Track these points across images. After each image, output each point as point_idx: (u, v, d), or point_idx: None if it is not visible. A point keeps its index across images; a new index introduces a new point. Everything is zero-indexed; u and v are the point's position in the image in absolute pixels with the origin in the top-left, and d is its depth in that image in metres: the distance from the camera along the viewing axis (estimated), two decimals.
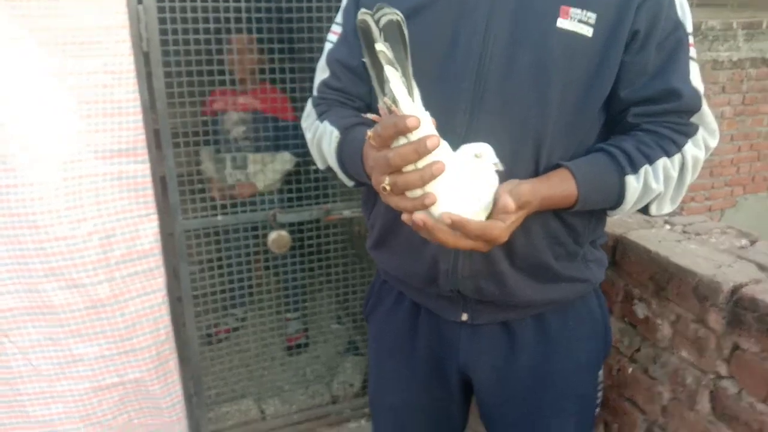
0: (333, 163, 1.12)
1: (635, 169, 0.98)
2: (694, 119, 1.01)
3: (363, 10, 0.76)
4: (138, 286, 1.74)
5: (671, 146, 1.00)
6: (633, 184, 0.98)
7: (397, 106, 0.76)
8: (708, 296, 1.21)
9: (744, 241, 1.40)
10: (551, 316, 1.15)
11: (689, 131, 1.01)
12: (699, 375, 1.25)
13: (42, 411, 1.74)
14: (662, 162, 0.99)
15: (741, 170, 4.83)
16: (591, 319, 1.20)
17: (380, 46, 0.75)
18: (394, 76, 0.76)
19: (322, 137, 1.12)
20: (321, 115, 1.14)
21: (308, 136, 1.19)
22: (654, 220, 1.52)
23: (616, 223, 1.49)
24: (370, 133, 0.79)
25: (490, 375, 1.19)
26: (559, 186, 0.96)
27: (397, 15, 0.76)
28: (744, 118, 4.69)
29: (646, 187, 0.99)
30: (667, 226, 1.50)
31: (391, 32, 0.75)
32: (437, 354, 1.22)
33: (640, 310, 1.39)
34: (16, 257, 1.60)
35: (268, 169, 2.31)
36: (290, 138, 2.06)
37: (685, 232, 1.46)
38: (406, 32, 0.76)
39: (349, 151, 1.06)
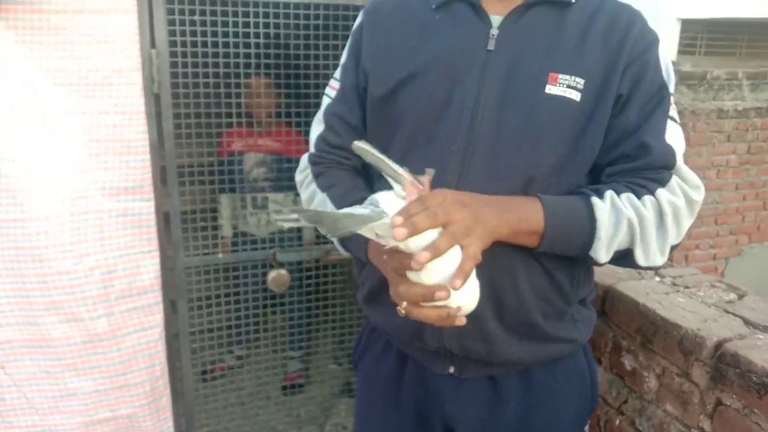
0: (334, 240, 1.16)
1: (600, 195, 0.98)
2: (668, 172, 1.01)
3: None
4: (136, 321, 1.77)
5: (639, 188, 0.99)
6: (599, 203, 0.97)
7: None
8: (692, 350, 1.22)
9: (732, 296, 1.42)
10: (538, 370, 1.16)
11: (661, 179, 1.00)
12: (683, 430, 1.25)
13: None
14: (627, 195, 0.98)
15: (746, 219, 4.82)
16: (578, 375, 1.21)
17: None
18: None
19: (320, 208, 1.16)
20: (318, 177, 1.17)
21: (303, 195, 1.22)
22: (644, 272, 1.54)
23: (607, 273, 1.51)
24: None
25: (474, 427, 1.19)
26: (522, 198, 0.98)
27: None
28: (749, 167, 4.71)
29: (615, 208, 0.97)
30: (657, 278, 1.51)
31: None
32: (422, 404, 1.22)
33: (628, 362, 1.40)
34: (18, 290, 1.63)
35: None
36: None
37: (674, 284, 1.48)
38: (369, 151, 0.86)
39: (352, 239, 1.09)
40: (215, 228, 2.48)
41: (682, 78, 4.31)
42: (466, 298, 0.86)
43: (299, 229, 2.12)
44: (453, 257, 0.81)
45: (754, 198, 4.80)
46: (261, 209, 2.42)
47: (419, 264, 0.77)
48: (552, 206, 0.96)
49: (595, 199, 0.98)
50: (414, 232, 0.77)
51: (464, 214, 0.83)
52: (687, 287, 1.46)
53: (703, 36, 4.88)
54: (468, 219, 0.83)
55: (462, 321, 0.86)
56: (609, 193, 0.98)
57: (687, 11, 4.53)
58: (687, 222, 1.02)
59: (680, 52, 4.81)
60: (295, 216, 0.82)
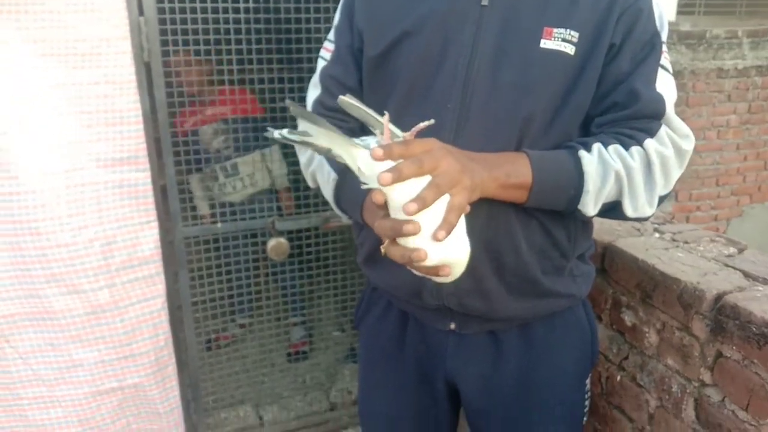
0: (329, 200, 1.17)
1: (588, 148, 0.98)
2: (657, 122, 1.01)
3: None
4: (138, 292, 1.77)
5: (627, 139, 0.99)
6: (587, 156, 0.97)
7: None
8: (692, 304, 1.22)
9: (732, 250, 1.41)
10: (538, 325, 1.17)
11: (650, 129, 1.00)
12: (684, 383, 1.26)
13: (41, 415, 1.77)
14: (614, 147, 0.98)
15: (747, 179, 4.81)
16: (578, 328, 1.22)
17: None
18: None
19: (318, 170, 1.17)
20: None
21: (302, 159, 1.22)
22: (644, 228, 1.54)
23: (606, 230, 1.50)
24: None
25: (476, 383, 1.20)
26: (509, 153, 0.98)
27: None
28: (750, 127, 4.67)
29: (602, 160, 0.97)
30: (657, 234, 1.51)
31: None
32: (424, 362, 1.23)
33: (628, 318, 1.41)
34: (18, 263, 1.64)
35: (273, 169, 2.37)
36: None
37: (674, 240, 1.48)
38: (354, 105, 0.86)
39: (346, 198, 1.11)
40: (212, 198, 2.47)
41: (681, 37, 4.25)
42: (453, 251, 0.83)
43: (297, 197, 2.10)
44: (439, 208, 0.80)
45: (755, 158, 4.78)
46: (234, 176, 2.43)
47: (408, 213, 0.75)
48: (539, 161, 0.96)
49: (582, 152, 0.97)
50: (399, 178, 0.75)
51: (450, 162, 0.81)
52: (686, 242, 1.45)
53: None
54: (454, 168, 0.81)
55: (446, 271, 0.83)
56: (596, 146, 0.98)
57: None
58: (676, 172, 1.02)
59: (679, 12, 4.74)
60: (285, 131, 0.79)
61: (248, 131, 2.20)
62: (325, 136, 0.82)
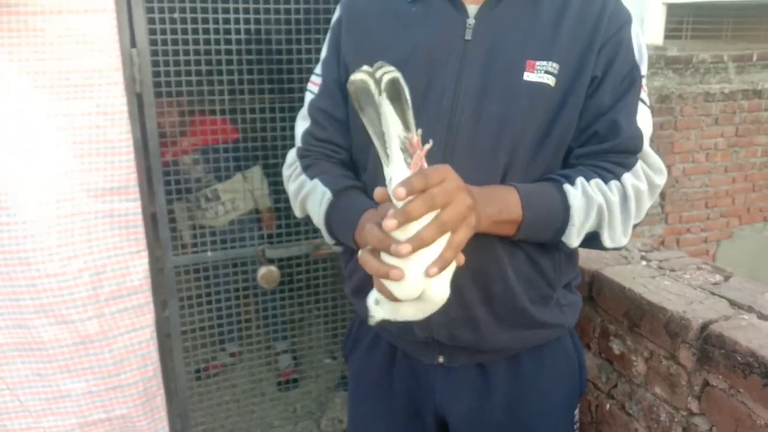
0: (319, 222, 1.15)
1: (572, 182, 1.00)
2: (634, 156, 1.04)
3: (363, 68, 0.76)
4: (127, 322, 1.76)
5: (606, 173, 1.02)
6: (572, 190, 0.99)
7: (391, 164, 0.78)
8: (678, 333, 1.23)
9: (718, 277, 1.43)
10: (526, 357, 1.18)
11: (627, 164, 1.03)
12: (672, 412, 1.26)
13: None
14: (596, 181, 1.00)
15: (736, 201, 4.85)
16: (566, 359, 1.23)
17: (386, 108, 0.75)
18: (395, 142, 0.77)
19: (309, 195, 1.16)
20: (307, 169, 1.17)
21: (291, 188, 1.22)
22: (631, 256, 1.55)
23: (593, 258, 1.52)
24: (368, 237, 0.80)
25: (466, 416, 1.20)
26: (500, 188, 0.98)
27: (396, 71, 0.75)
28: (738, 150, 4.73)
29: (586, 194, 0.99)
30: (644, 262, 1.52)
31: (393, 89, 0.75)
32: (413, 396, 1.23)
33: (616, 346, 1.41)
34: (8, 294, 1.63)
35: (254, 189, 2.40)
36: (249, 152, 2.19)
37: (660, 267, 1.49)
38: (405, 87, 0.76)
39: (339, 218, 1.10)
40: (202, 227, 2.48)
41: (669, 62, 4.32)
42: (433, 288, 0.80)
43: (288, 225, 2.11)
44: (439, 241, 0.77)
45: (744, 180, 4.83)
46: (215, 201, 2.49)
47: (399, 255, 0.75)
48: (528, 196, 0.98)
49: (567, 187, 0.99)
50: (408, 220, 0.74)
51: (463, 198, 0.79)
52: (673, 270, 1.47)
53: (689, 20, 4.90)
54: (465, 205, 0.80)
55: (397, 275, 0.77)
56: (579, 180, 1.00)
57: None
58: (648, 204, 1.06)
59: (666, 36, 4.82)
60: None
61: (228, 158, 2.24)
62: (387, 125, 0.76)
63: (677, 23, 4.93)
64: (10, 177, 1.58)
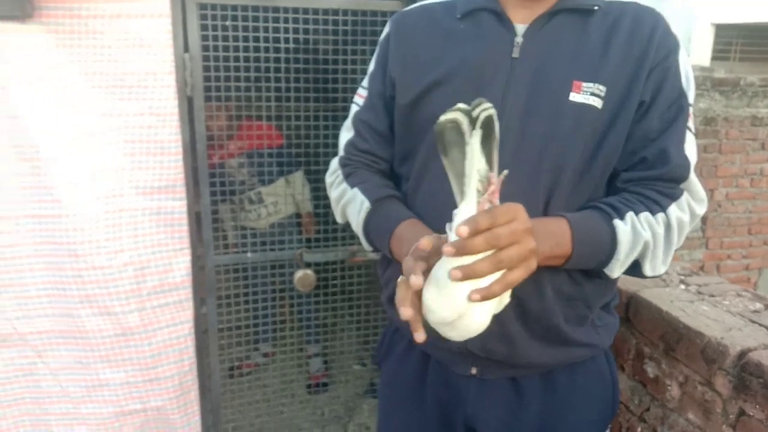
0: (358, 230, 1.18)
1: (621, 216, 1.00)
2: (680, 186, 1.04)
3: (458, 106, 0.75)
4: (167, 317, 1.82)
5: (654, 205, 1.02)
6: (621, 226, 0.99)
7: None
8: (715, 359, 1.21)
9: (758, 305, 1.40)
10: (559, 373, 1.17)
11: (673, 194, 1.03)
12: None
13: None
14: (645, 215, 1.01)
15: None
16: (600, 379, 1.22)
17: (476, 145, 0.75)
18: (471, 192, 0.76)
19: (350, 203, 1.19)
20: (348, 177, 1.21)
21: (333, 194, 1.25)
22: (669, 279, 1.53)
23: (631, 280, 1.50)
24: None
25: (496, 428, 1.20)
26: (552, 222, 0.99)
27: (493, 108, 0.75)
28: None
29: (634, 231, 0.99)
30: (682, 286, 1.50)
31: (487, 127, 0.75)
32: (445, 405, 1.24)
33: (651, 370, 1.40)
34: (55, 283, 1.70)
35: (296, 193, 2.45)
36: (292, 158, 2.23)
37: (699, 292, 1.47)
38: (497, 124, 0.75)
39: (377, 226, 1.13)
40: (244, 228, 2.54)
41: (715, 84, 4.25)
42: (473, 316, 0.78)
43: (326, 231, 2.15)
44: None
45: None
46: (258, 204, 2.55)
47: (450, 278, 0.74)
48: (579, 233, 0.98)
49: (617, 222, 1.00)
50: (465, 255, 0.74)
51: (528, 242, 0.79)
52: (712, 296, 1.45)
53: (737, 41, 4.80)
54: (528, 248, 0.79)
55: (420, 336, 0.81)
56: (630, 215, 1.00)
57: (721, 16, 4.47)
58: (687, 231, 1.06)
59: (714, 57, 4.75)
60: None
61: (272, 162, 2.30)
62: (471, 166, 0.75)
63: (725, 44, 4.84)
64: (62, 172, 1.65)
